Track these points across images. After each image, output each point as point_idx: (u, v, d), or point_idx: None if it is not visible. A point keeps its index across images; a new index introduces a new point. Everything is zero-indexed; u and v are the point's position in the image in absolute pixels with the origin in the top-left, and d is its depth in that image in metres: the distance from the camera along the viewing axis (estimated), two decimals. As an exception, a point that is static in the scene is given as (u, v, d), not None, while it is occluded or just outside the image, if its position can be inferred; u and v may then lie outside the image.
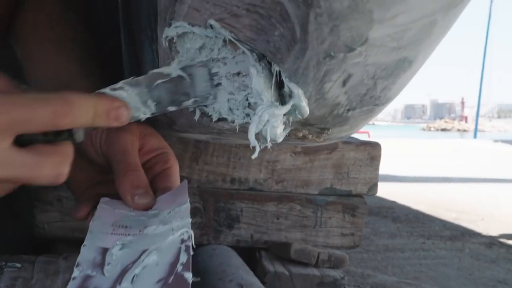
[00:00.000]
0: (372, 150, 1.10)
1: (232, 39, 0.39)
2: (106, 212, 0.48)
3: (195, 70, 0.45)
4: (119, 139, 0.51)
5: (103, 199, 0.50)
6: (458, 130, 54.85)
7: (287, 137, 0.47)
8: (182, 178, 1.07)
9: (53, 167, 0.38)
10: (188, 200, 0.48)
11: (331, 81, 0.37)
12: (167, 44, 0.45)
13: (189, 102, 0.45)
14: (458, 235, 2.04)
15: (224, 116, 0.46)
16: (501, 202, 2.86)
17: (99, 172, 0.54)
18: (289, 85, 0.38)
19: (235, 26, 0.38)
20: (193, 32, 0.42)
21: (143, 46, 0.56)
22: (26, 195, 0.92)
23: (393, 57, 0.36)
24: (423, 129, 58.07)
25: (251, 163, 1.05)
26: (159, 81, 0.43)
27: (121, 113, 0.40)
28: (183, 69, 0.44)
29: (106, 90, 0.41)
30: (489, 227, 2.19)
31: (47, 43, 0.59)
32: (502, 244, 1.91)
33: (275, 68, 0.39)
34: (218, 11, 0.38)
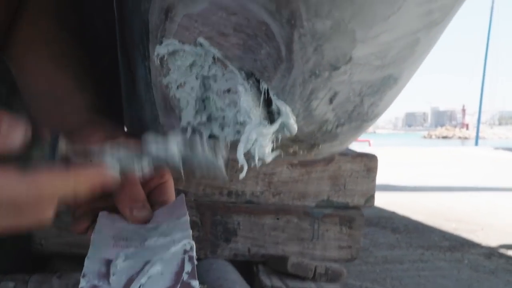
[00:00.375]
0: (368, 161, 1.10)
1: (221, 57, 0.40)
2: (106, 226, 0.49)
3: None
4: None
5: (102, 213, 0.51)
6: (459, 137, 54.79)
7: (278, 153, 0.48)
8: (179, 192, 1.08)
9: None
10: (187, 213, 0.49)
11: (318, 99, 0.38)
12: (158, 61, 0.46)
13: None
14: (457, 245, 2.03)
15: (216, 133, 0.47)
16: (501, 211, 2.84)
17: None
18: (277, 102, 0.39)
19: (224, 44, 0.38)
20: (184, 50, 0.43)
21: (136, 62, 0.56)
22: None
23: (378, 74, 0.37)
24: (424, 137, 58.03)
25: (247, 176, 1.05)
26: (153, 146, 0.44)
27: (106, 182, 0.42)
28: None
29: (96, 149, 0.43)
30: (489, 237, 2.18)
31: (42, 59, 0.60)
32: (501, 255, 1.90)
33: (263, 86, 0.39)
34: (207, 29, 0.38)
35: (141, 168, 0.44)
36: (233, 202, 1.05)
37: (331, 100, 0.38)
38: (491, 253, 1.92)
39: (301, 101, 0.38)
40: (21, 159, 0.37)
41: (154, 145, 0.44)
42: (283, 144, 0.47)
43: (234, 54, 0.38)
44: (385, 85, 0.39)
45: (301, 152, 0.50)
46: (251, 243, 1.06)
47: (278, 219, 1.06)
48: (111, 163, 0.42)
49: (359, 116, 0.42)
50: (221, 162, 0.44)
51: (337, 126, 0.43)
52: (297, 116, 0.40)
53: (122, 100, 0.75)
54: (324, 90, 0.37)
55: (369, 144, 11.61)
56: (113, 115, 0.89)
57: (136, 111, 0.61)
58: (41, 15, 0.64)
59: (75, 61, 0.61)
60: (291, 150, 0.49)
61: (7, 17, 0.62)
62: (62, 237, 0.95)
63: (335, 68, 0.34)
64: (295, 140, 0.45)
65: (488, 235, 2.23)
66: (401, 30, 0.32)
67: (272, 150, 0.42)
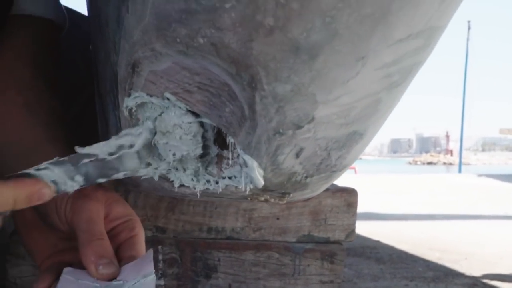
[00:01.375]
0: (348, 196, 1.10)
1: (187, 112, 0.40)
2: (69, 284, 0.47)
3: (123, 153, 0.45)
4: (84, 207, 0.50)
5: (66, 269, 0.49)
6: (444, 163, 55.23)
7: (250, 200, 0.48)
8: (158, 229, 1.06)
9: None
10: (154, 271, 0.48)
11: (284, 154, 0.38)
12: (127, 113, 0.46)
13: (119, 175, 0.45)
14: (441, 276, 2.02)
15: (186, 184, 0.46)
16: (484, 240, 2.85)
17: (62, 240, 0.53)
18: (243, 157, 0.39)
19: (189, 100, 0.38)
20: (152, 102, 0.43)
21: (108, 109, 0.56)
22: (-3, 249, 0.90)
23: (343, 131, 0.37)
24: (410, 163, 58.46)
25: (228, 212, 1.04)
26: (85, 160, 0.43)
27: (43, 194, 0.41)
28: (110, 154, 0.44)
29: (31, 170, 0.41)
30: (472, 267, 2.18)
31: (14, 107, 0.59)
32: (485, 285, 1.90)
33: (230, 139, 0.39)
34: (172, 86, 0.38)
35: (74, 183, 0.43)
36: (213, 238, 1.04)
37: (297, 155, 0.38)
38: (474, 283, 1.92)
39: (267, 156, 0.38)
40: None
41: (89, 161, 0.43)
42: (254, 193, 0.47)
43: (200, 109, 0.38)
44: (351, 140, 0.39)
45: (273, 200, 0.49)
46: (231, 279, 1.05)
47: (258, 255, 1.06)
48: (46, 177, 0.41)
49: (328, 168, 0.43)
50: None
51: (306, 177, 0.43)
52: (264, 170, 0.40)
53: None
54: (289, 146, 0.37)
55: (355, 172, 11.62)
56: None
57: (109, 156, 0.61)
58: (17, 62, 0.63)
59: (47, 111, 0.61)
60: (262, 198, 0.49)
61: None
62: (38, 275, 0.93)
63: (298, 127, 0.34)
64: (265, 189, 0.45)
65: (471, 265, 2.23)
66: (361, 93, 0.32)
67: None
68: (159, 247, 0.98)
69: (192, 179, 0.46)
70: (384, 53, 0.29)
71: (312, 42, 0.27)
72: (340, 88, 0.31)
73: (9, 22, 0.66)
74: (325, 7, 0.25)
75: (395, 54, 0.29)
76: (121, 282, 0.47)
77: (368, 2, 0.25)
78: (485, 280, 1.95)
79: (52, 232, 0.53)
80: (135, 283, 0.46)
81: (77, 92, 1.00)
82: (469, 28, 23.01)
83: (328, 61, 0.28)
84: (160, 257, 0.98)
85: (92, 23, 0.58)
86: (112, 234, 0.52)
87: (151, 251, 0.50)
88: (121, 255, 0.50)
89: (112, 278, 0.47)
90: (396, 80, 0.33)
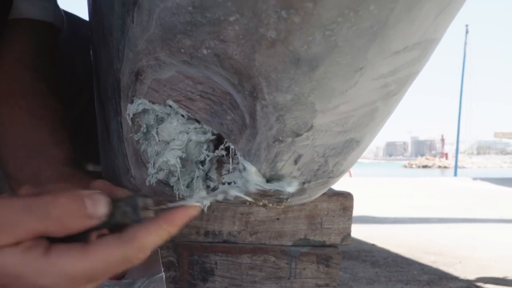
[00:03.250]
0: (344, 200, 1.11)
1: (189, 119, 0.41)
2: None
3: None
4: None
5: None
6: (439, 166, 55.32)
7: (249, 205, 0.49)
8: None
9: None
10: (162, 269, 0.49)
11: (283, 161, 0.39)
12: (129, 119, 0.47)
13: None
14: (436, 279, 2.04)
15: (184, 192, 0.47)
16: (479, 244, 2.87)
17: None
18: (243, 163, 0.40)
19: (191, 108, 0.40)
20: (154, 109, 0.44)
21: (110, 115, 0.57)
22: None
23: (340, 138, 0.38)
24: (405, 166, 58.54)
25: (224, 216, 1.05)
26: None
27: (194, 216, 0.40)
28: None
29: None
30: (467, 271, 2.19)
31: (18, 111, 0.60)
32: (479, 289, 1.91)
33: (231, 146, 0.40)
34: (175, 94, 0.39)
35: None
36: (210, 242, 1.05)
37: (296, 162, 0.39)
38: (469, 286, 1.93)
39: (266, 162, 0.39)
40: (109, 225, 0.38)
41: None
42: (253, 198, 0.48)
43: (202, 117, 0.39)
44: (348, 147, 0.40)
45: (271, 205, 0.50)
46: (228, 283, 1.06)
47: (255, 258, 1.06)
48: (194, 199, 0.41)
49: (325, 174, 0.44)
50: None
51: (303, 183, 0.44)
52: (263, 175, 0.41)
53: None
54: (288, 153, 0.38)
55: (351, 175, 11.63)
56: (91, 154, 0.89)
57: (110, 161, 0.62)
58: (18, 66, 0.64)
59: (51, 113, 0.62)
60: (260, 203, 0.50)
61: None
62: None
63: (297, 134, 0.35)
64: (263, 194, 0.46)
65: (466, 268, 2.24)
66: (359, 102, 0.33)
67: None
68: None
69: (192, 184, 0.47)
70: (381, 64, 0.30)
71: (313, 54, 0.28)
72: (338, 98, 0.32)
73: (8, 26, 0.66)
74: (326, 21, 0.26)
75: (392, 65, 0.31)
76: (130, 280, 0.48)
77: (366, 16, 0.26)
78: (479, 284, 1.97)
79: None
80: (145, 280, 0.47)
81: (76, 96, 1.00)
82: (467, 32, 23.10)
83: (327, 72, 0.29)
84: (158, 260, 0.99)
85: (94, 30, 0.59)
86: None
87: (157, 250, 0.51)
88: None
89: (122, 276, 0.49)
90: (393, 90, 0.34)
